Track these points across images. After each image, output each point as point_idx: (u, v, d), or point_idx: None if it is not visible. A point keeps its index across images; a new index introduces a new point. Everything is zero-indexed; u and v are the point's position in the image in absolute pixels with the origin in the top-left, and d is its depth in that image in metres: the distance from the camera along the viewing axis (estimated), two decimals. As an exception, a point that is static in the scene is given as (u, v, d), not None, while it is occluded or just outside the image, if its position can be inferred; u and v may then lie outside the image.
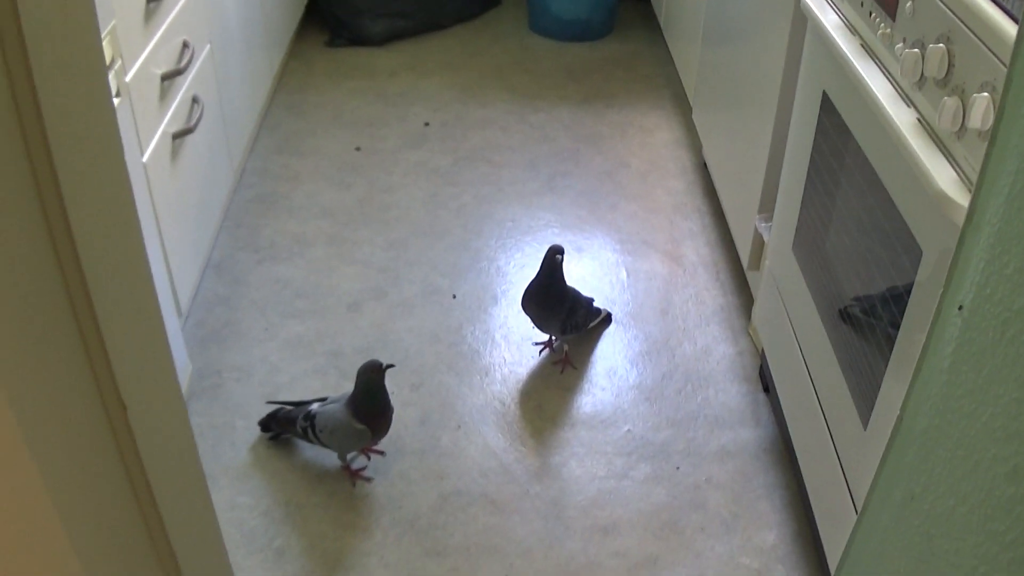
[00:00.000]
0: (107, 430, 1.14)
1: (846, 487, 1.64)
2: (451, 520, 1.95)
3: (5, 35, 0.82)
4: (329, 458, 2.06)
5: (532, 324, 2.32)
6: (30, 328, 0.92)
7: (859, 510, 1.45)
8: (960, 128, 1.24)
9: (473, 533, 1.92)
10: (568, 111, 3.40)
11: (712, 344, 2.39)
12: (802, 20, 1.92)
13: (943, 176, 1.23)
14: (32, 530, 1.01)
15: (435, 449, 2.10)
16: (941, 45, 1.28)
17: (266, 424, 2.11)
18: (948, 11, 1.28)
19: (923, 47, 1.34)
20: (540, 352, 2.35)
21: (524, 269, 2.60)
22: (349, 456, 2.05)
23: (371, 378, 1.95)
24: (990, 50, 1.17)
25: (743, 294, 2.53)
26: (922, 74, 1.34)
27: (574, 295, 2.29)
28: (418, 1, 3.86)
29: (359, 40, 3.84)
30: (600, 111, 3.40)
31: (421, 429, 2.14)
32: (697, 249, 2.71)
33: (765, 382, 2.24)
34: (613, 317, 2.46)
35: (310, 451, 2.08)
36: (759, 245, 2.27)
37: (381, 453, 2.08)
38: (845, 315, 1.64)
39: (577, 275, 2.58)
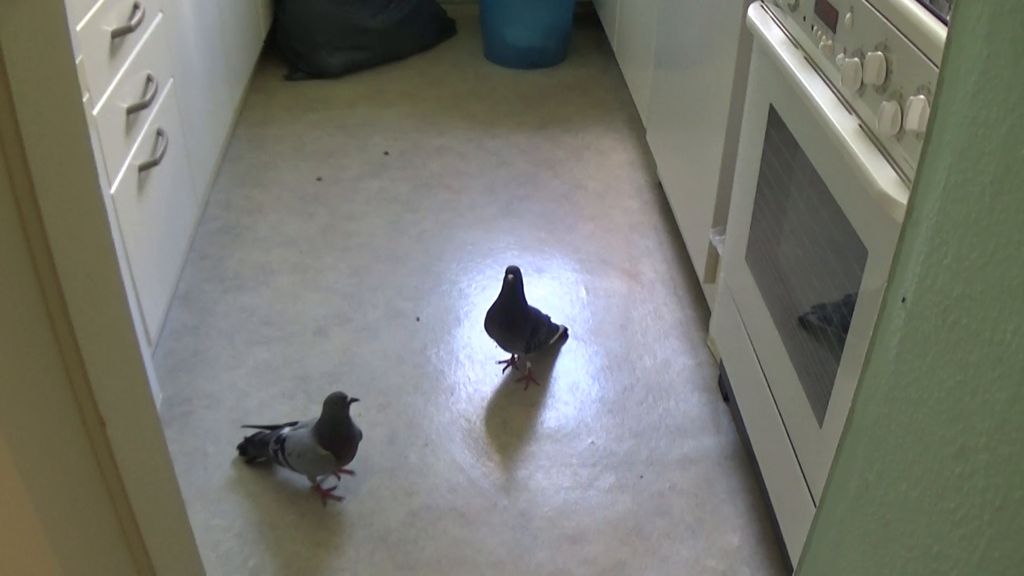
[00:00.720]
0: (87, 444, 1.18)
1: (805, 486, 1.69)
2: (421, 535, 1.99)
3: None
4: (301, 479, 2.10)
5: (496, 344, 2.37)
6: (15, 349, 0.96)
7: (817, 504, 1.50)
8: (899, 131, 1.31)
9: (443, 547, 1.97)
10: (525, 136, 3.46)
11: (672, 357, 2.44)
12: (748, 38, 1.99)
13: (884, 177, 1.30)
14: (18, 540, 1.05)
15: (403, 467, 2.14)
16: (879, 53, 1.35)
17: (243, 448, 2.15)
18: (885, 20, 1.35)
19: (862, 56, 1.41)
20: (504, 370, 2.40)
21: (486, 291, 2.66)
22: (320, 477, 2.09)
23: (335, 410, 1.99)
24: (924, 55, 1.24)
25: (700, 307, 2.59)
26: (862, 82, 1.41)
27: (535, 314, 2.34)
28: (375, 33, 3.92)
29: (318, 73, 3.89)
30: (556, 135, 3.47)
31: (389, 448, 2.18)
32: (654, 266, 2.77)
33: (724, 391, 2.30)
34: (572, 333, 2.52)
35: (282, 473, 2.12)
36: (714, 258, 2.33)
37: (350, 473, 2.12)
38: (804, 323, 1.70)
39: (537, 295, 2.64)
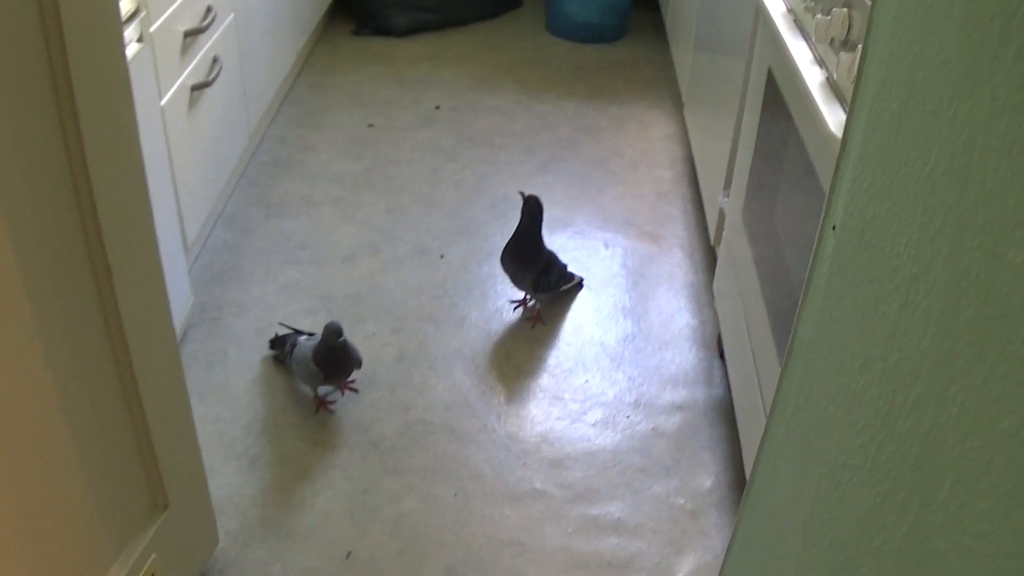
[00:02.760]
0: (94, 290, 1.34)
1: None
2: (412, 445, 2.14)
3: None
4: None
5: (510, 282, 2.51)
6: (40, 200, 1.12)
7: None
8: (853, 80, 1.43)
9: (431, 457, 2.11)
10: (572, 104, 3.60)
11: (677, 314, 2.57)
12: (760, 12, 2.12)
13: (835, 121, 1.42)
14: (26, 387, 1.21)
15: (406, 384, 2.29)
16: (844, 9, 1.47)
17: (272, 343, 2.33)
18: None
19: (831, 14, 1.53)
20: (515, 309, 2.54)
21: (510, 235, 2.80)
22: (322, 390, 2.24)
23: (328, 338, 2.14)
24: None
25: (712, 272, 2.71)
26: (832, 37, 1.53)
27: (549, 255, 2.48)
28: (442, -3, 4.08)
29: (384, 31, 4.06)
30: (602, 106, 3.60)
31: (396, 366, 2.33)
32: (676, 231, 2.89)
33: (721, 350, 2.42)
34: (586, 283, 2.65)
35: (294, 377, 2.28)
36: (722, 221, 2.45)
37: (354, 391, 2.27)
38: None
39: (559, 245, 2.77)
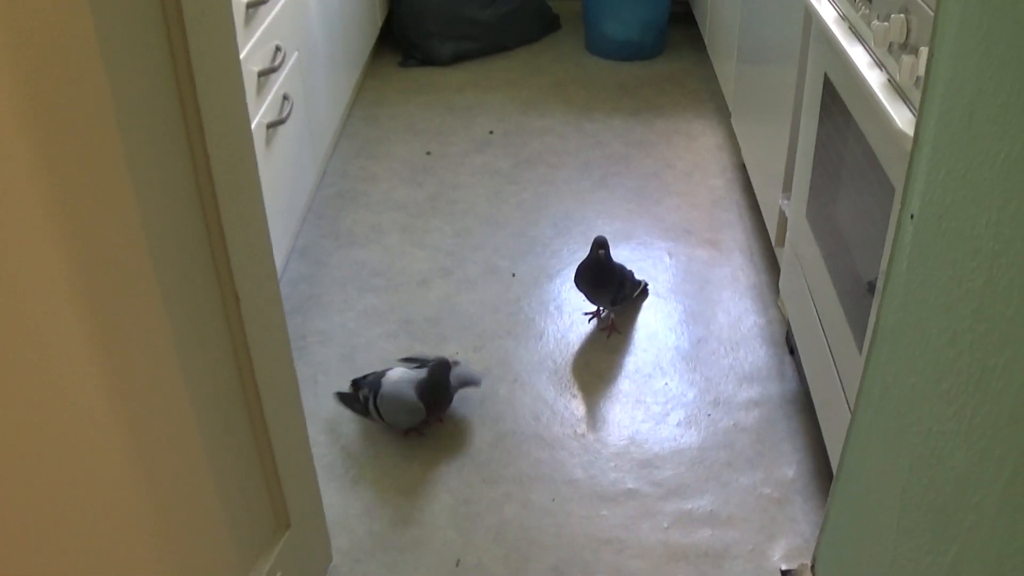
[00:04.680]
0: (223, 318, 1.44)
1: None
2: (506, 455, 2.23)
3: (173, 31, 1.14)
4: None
5: (584, 298, 2.60)
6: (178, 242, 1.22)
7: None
8: (916, 80, 1.52)
9: (525, 465, 2.20)
10: (620, 121, 3.70)
11: (744, 315, 2.65)
12: (810, 22, 2.21)
13: (903, 118, 1.51)
14: (161, 390, 1.31)
15: (494, 398, 2.38)
16: (901, 15, 1.56)
17: (344, 398, 2.37)
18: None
19: (889, 19, 1.62)
20: (589, 320, 2.62)
21: (576, 252, 2.89)
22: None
23: (436, 372, 2.24)
24: (932, 12, 1.45)
25: (774, 272, 2.79)
26: (890, 42, 1.62)
27: (620, 270, 2.57)
28: (484, 25, 4.19)
29: (429, 60, 4.17)
30: (649, 121, 3.69)
31: (482, 382, 2.42)
32: (734, 236, 2.98)
33: (791, 345, 2.50)
34: (654, 291, 2.74)
35: (384, 398, 2.38)
36: (783, 222, 2.54)
37: (440, 421, 2.35)
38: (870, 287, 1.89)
39: (624, 256, 2.86)
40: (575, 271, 2.56)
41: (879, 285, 1.53)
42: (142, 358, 1.27)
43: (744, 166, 3.22)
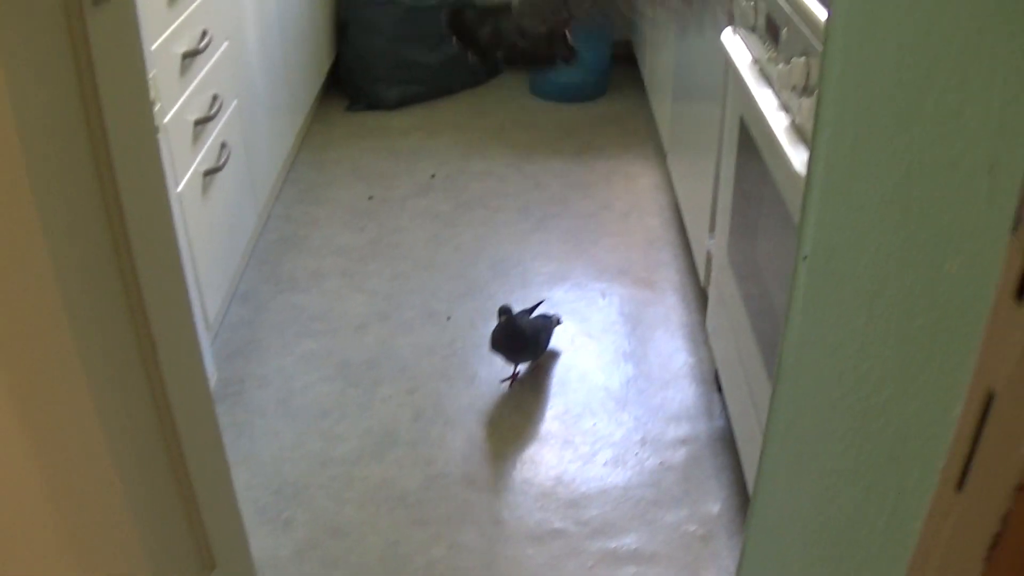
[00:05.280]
0: (140, 364, 1.47)
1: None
2: (436, 496, 2.26)
3: (86, 90, 1.18)
4: (334, 446, 2.38)
5: (503, 361, 2.63)
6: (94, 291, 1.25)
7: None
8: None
9: (454, 507, 2.24)
10: (560, 162, 3.75)
11: (675, 353, 2.70)
12: (729, 63, 2.27)
13: (800, 161, 1.56)
14: (76, 437, 1.33)
15: (425, 440, 2.42)
16: (803, 58, 1.62)
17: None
18: (808, 32, 1.62)
19: (791, 63, 1.68)
20: (510, 386, 2.61)
21: (513, 293, 2.94)
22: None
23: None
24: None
25: (705, 312, 2.84)
26: (793, 85, 1.67)
27: (533, 327, 2.59)
28: (429, 69, 4.24)
29: (376, 105, 4.23)
30: (589, 162, 3.76)
31: (414, 424, 2.46)
32: (668, 276, 3.03)
33: (719, 383, 2.54)
34: (587, 331, 2.78)
35: (319, 442, 2.40)
36: (710, 262, 2.59)
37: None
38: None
39: (559, 297, 2.92)
40: (491, 337, 2.56)
41: (784, 328, 1.58)
42: (58, 404, 1.30)
43: (679, 206, 3.27)
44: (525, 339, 2.55)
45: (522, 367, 2.65)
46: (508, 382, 2.62)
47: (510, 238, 3.26)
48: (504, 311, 2.50)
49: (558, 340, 2.75)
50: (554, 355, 2.71)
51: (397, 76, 4.22)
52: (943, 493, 0.69)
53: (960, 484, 0.66)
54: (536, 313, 2.70)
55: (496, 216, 3.39)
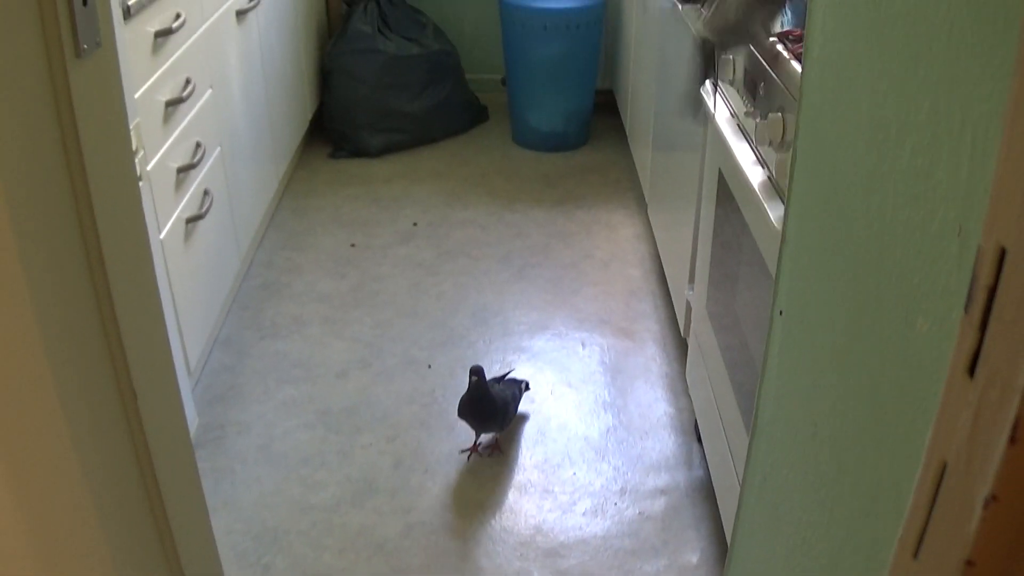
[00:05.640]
0: (121, 414, 1.47)
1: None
2: (415, 544, 2.26)
3: (68, 141, 1.19)
4: (314, 493, 2.38)
5: (469, 427, 2.57)
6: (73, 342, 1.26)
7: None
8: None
9: (433, 555, 2.24)
10: (542, 212, 3.78)
11: (655, 403, 2.71)
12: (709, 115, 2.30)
13: (776, 215, 1.58)
14: (54, 473, 1.34)
15: (405, 488, 2.42)
16: (779, 114, 1.65)
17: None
18: (784, 87, 1.65)
19: (768, 118, 1.70)
20: (468, 458, 2.55)
21: (492, 343, 2.96)
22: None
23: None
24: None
25: (685, 362, 2.86)
26: (769, 139, 1.70)
27: (502, 396, 2.55)
28: (412, 117, 4.28)
29: (359, 152, 4.26)
30: (571, 211, 3.78)
31: (394, 472, 2.46)
32: (648, 326, 3.05)
33: (698, 434, 2.55)
34: (567, 381, 2.79)
35: (299, 488, 2.40)
36: (689, 312, 2.61)
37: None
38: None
39: (539, 347, 2.93)
40: (458, 404, 2.53)
41: (759, 381, 1.59)
42: (38, 452, 1.31)
43: (660, 256, 3.30)
44: (494, 407, 2.50)
45: (484, 438, 2.59)
46: (468, 453, 2.56)
47: (491, 287, 3.28)
48: (475, 371, 2.47)
49: (538, 390, 2.76)
50: (523, 418, 2.69)
51: (380, 124, 4.25)
52: (901, 560, 0.70)
53: (916, 552, 0.67)
54: (506, 380, 2.69)
55: (478, 265, 3.41)
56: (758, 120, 1.78)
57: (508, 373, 2.73)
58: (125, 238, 1.44)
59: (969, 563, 0.57)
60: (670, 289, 2.99)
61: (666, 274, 3.08)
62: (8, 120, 1.09)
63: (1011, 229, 0.53)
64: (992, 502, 0.55)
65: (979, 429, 0.57)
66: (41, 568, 1.40)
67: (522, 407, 2.68)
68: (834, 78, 1.12)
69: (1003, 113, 0.65)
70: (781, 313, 1.41)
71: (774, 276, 1.42)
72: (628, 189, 3.97)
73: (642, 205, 3.76)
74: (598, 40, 4.29)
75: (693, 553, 2.24)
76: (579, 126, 4.35)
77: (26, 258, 1.15)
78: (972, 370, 0.57)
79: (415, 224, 3.69)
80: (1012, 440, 0.53)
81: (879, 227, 0.97)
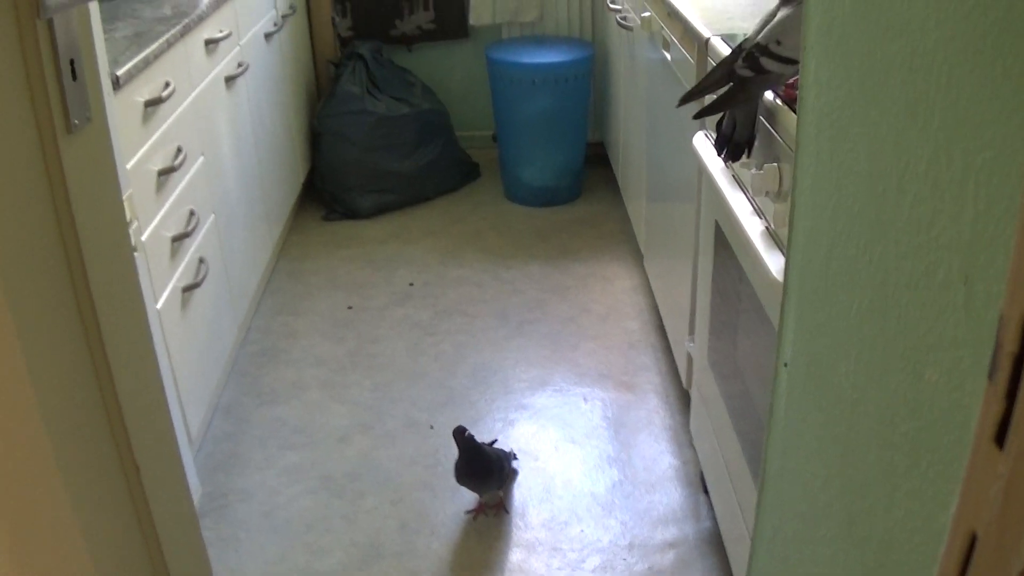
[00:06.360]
0: (124, 488, 1.46)
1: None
2: (424, 608, 2.24)
3: (62, 216, 1.19)
4: (319, 560, 2.36)
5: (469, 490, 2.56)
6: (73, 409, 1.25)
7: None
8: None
9: (444, 618, 2.22)
10: (537, 267, 3.78)
11: (660, 456, 2.70)
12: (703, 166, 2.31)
13: (776, 267, 1.58)
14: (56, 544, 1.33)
15: (412, 552, 2.40)
16: (775, 164, 1.65)
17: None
18: (779, 138, 1.65)
19: (764, 168, 1.71)
20: (474, 518, 2.53)
21: (494, 402, 2.94)
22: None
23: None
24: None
25: (688, 414, 2.84)
26: (766, 190, 1.70)
27: (495, 453, 2.55)
28: (403, 177, 4.29)
29: (351, 214, 4.26)
30: (566, 265, 3.78)
31: (400, 536, 2.44)
32: (650, 378, 3.04)
33: (705, 485, 2.54)
34: (570, 437, 2.78)
35: (304, 556, 2.38)
36: (691, 364, 2.60)
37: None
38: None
39: (540, 403, 2.92)
40: (454, 470, 2.50)
41: (766, 433, 1.58)
42: (43, 528, 1.30)
43: (658, 307, 3.29)
44: (490, 462, 2.48)
45: (488, 499, 2.56)
46: (473, 514, 2.54)
47: (490, 345, 3.27)
48: (459, 431, 2.45)
49: (541, 447, 2.75)
50: (522, 477, 2.67)
51: (372, 185, 4.26)
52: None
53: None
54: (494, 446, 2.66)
55: (475, 323, 3.41)
56: (754, 170, 1.79)
57: (493, 442, 2.70)
58: (122, 310, 1.43)
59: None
60: (670, 340, 2.99)
61: (665, 326, 3.07)
62: (1, 198, 1.09)
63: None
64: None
65: (1012, 500, 0.56)
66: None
67: (519, 465, 2.67)
68: (830, 127, 1.12)
69: (1016, 167, 0.65)
70: (786, 365, 1.40)
71: (777, 328, 1.41)
72: (623, 241, 3.97)
73: (638, 257, 3.76)
74: (587, 93, 4.31)
75: (704, 607, 2.22)
76: (571, 180, 4.36)
77: (23, 333, 1.14)
78: (1001, 440, 0.56)
79: (411, 284, 3.69)
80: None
81: (882, 278, 0.97)
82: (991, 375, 0.58)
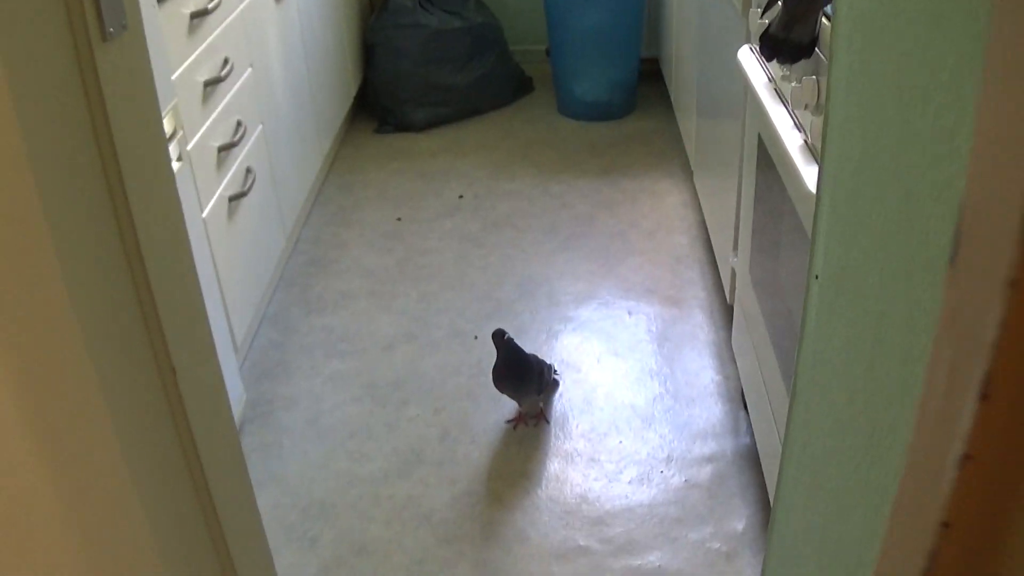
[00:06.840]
0: (161, 391, 1.49)
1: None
2: (461, 515, 2.28)
3: (98, 125, 1.20)
4: (360, 465, 2.40)
5: (509, 397, 2.57)
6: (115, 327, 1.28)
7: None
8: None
9: (479, 525, 2.25)
10: (587, 182, 3.77)
11: (702, 371, 2.70)
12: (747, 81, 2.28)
13: (812, 179, 1.56)
14: (104, 484, 1.36)
15: (451, 460, 2.43)
16: (813, 77, 1.63)
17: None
18: (817, 50, 1.63)
19: (802, 81, 1.69)
20: (514, 428, 2.55)
21: (538, 313, 2.96)
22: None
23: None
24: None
25: (732, 330, 2.84)
26: (805, 103, 1.68)
27: (535, 360, 2.54)
28: (457, 90, 4.28)
29: (404, 126, 4.26)
30: (616, 180, 3.77)
31: (441, 444, 2.47)
32: (695, 294, 3.04)
33: (745, 401, 2.54)
34: (614, 351, 2.79)
35: (346, 462, 2.42)
36: (734, 279, 2.60)
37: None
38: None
39: (585, 317, 2.93)
40: (492, 374, 2.51)
41: (798, 345, 1.58)
42: (79, 432, 1.33)
43: (706, 223, 3.28)
44: (529, 367, 2.49)
45: (528, 408, 2.57)
46: (513, 423, 2.56)
47: (537, 258, 3.28)
48: (498, 333, 2.47)
49: (584, 359, 2.76)
50: (563, 389, 2.69)
51: (424, 98, 4.25)
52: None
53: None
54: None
55: (523, 236, 3.41)
56: (794, 84, 1.76)
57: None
58: (160, 218, 1.45)
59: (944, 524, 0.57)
60: (716, 256, 2.98)
61: (712, 241, 3.06)
62: (37, 106, 1.11)
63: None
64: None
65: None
66: (84, 548, 1.42)
67: (560, 377, 2.71)
68: (862, 38, 1.11)
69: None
70: (817, 277, 1.40)
71: (810, 241, 1.41)
72: (674, 158, 3.95)
73: (688, 173, 3.74)
74: (641, 8, 4.25)
75: (739, 520, 2.24)
76: (624, 95, 4.32)
77: (61, 244, 1.16)
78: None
79: (461, 197, 3.70)
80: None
81: (907, 189, 0.96)
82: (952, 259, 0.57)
